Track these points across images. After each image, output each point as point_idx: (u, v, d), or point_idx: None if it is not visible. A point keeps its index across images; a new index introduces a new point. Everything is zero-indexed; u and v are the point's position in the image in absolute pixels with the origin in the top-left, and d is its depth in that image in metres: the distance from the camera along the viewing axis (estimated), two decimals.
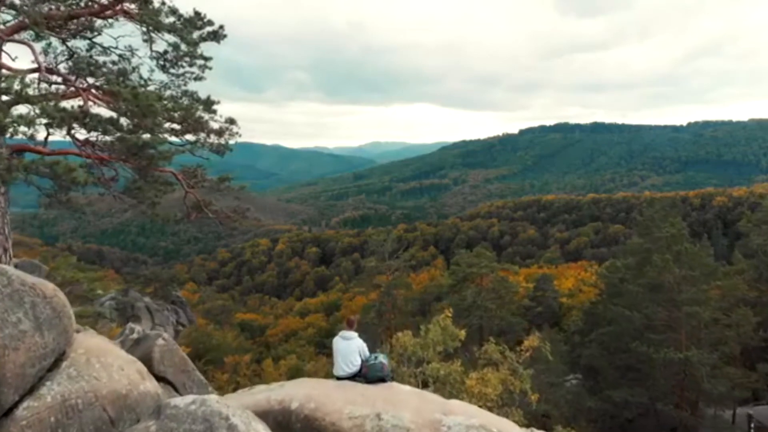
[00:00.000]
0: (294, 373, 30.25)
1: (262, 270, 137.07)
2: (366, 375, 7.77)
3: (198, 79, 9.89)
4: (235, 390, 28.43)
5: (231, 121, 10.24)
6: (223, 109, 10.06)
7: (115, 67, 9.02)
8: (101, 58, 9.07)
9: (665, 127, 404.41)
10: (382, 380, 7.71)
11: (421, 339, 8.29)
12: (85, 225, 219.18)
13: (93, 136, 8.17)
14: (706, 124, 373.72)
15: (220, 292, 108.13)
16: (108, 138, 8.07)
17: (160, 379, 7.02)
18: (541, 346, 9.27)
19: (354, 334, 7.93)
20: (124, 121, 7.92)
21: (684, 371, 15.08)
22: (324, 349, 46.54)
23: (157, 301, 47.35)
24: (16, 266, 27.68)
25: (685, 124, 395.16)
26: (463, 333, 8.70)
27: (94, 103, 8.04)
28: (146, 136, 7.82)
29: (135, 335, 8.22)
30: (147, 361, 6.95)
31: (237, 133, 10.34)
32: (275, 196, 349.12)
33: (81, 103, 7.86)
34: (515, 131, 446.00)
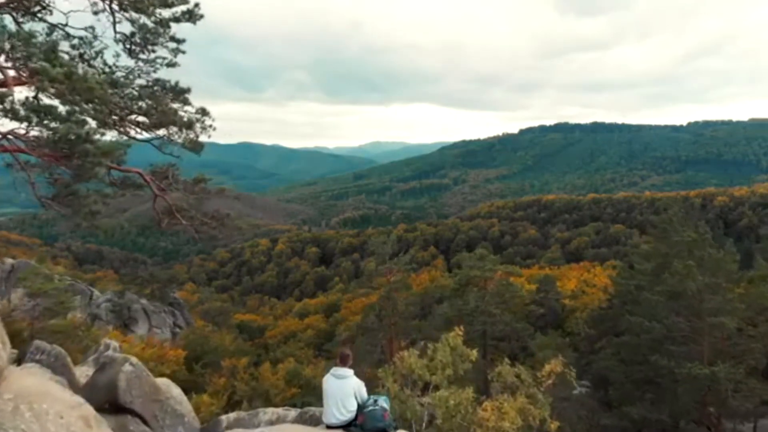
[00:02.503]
0: (292, 377, 29.39)
1: (262, 270, 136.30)
2: (363, 425, 6.36)
3: (171, 65, 8.74)
4: (231, 396, 27.50)
5: (203, 111, 8.98)
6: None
7: (46, 41, 7.76)
8: (65, 44, 7.92)
9: (665, 126, 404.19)
10: (383, 431, 6.35)
11: (427, 360, 7.32)
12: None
13: (22, 127, 6.88)
14: (706, 124, 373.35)
15: (219, 292, 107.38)
16: (38, 130, 6.80)
17: (127, 410, 6.03)
18: (565, 371, 8.16)
19: (349, 372, 6.51)
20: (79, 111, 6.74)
21: (708, 387, 14.08)
22: (323, 351, 45.68)
23: (154, 303, 46.56)
24: (12, 266, 26.21)
25: (685, 123, 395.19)
26: (474, 353, 7.70)
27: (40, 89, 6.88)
28: (86, 126, 6.58)
29: (110, 351, 7.23)
30: (112, 390, 5.98)
31: (210, 126, 9.07)
32: (275, 196, 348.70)
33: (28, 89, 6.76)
34: (515, 131, 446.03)
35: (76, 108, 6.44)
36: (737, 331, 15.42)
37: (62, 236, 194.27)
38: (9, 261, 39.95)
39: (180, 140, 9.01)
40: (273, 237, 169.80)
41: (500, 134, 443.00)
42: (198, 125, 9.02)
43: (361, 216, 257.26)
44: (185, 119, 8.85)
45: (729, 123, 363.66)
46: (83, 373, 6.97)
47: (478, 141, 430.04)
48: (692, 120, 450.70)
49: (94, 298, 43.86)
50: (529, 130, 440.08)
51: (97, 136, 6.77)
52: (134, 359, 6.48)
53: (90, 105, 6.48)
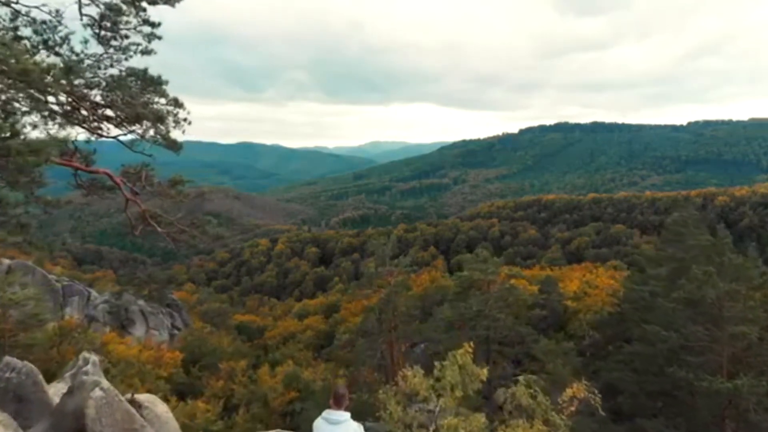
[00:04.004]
0: (290, 381, 29.00)
1: (262, 270, 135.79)
2: None
3: (146, 52, 7.82)
4: (228, 400, 27.07)
5: (176, 102, 8.04)
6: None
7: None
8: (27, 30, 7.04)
9: (665, 126, 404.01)
10: None
11: (433, 380, 6.78)
12: (84, 225, 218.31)
13: None
14: (707, 124, 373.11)
15: (219, 292, 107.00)
16: None
17: None
18: (590, 398, 7.56)
19: (344, 416, 5.52)
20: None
21: (729, 401, 13.42)
22: (322, 354, 45.30)
23: (152, 304, 46.19)
24: (9, 267, 25.30)
25: (685, 123, 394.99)
26: (485, 372, 7.15)
27: None
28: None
29: (89, 366, 6.69)
30: (80, 418, 5.31)
31: (185, 119, 8.14)
32: (275, 196, 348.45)
33: None
34: (515, 131, 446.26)
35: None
36: (758, 340, 14.64)
37: (62, 236, 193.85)
38: (6, 262, 39.43)
39: (153, 137, 8.09)
40: (273, 237, 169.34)
41: (500, 134, 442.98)
42: (171, 119, 8.08)
43: (361, 216, 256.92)
44: (155, 112, 7.90)
45: (729, 123, 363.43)
46: (59, 390, 6.35)
47: (478, 141, 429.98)
48: (692, 120, 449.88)
49: (92, 299, 43.44)
50: (529, 129, 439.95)
51: (28, 129, 5.86)
52: (105, 383, 5.87)
53: (34, 92, 5.61)
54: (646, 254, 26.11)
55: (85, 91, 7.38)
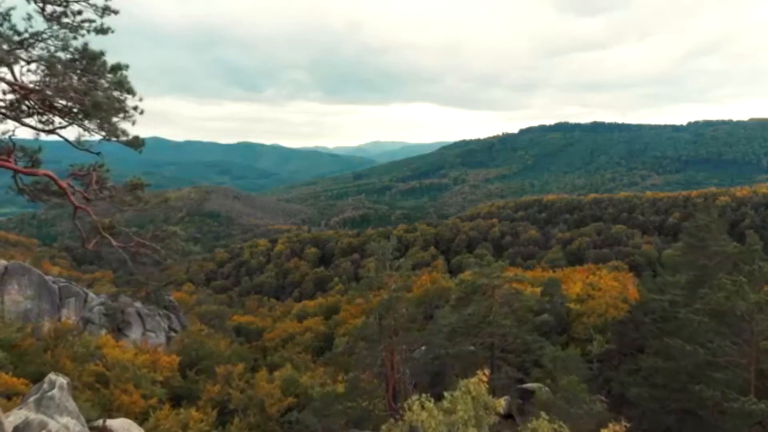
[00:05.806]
0: (288, 386, 28.36)
1: (261, 271, 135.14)
2: None
3: (101, 31, 6.64)
4: (224, 407, 26.39)
5: (121, 85, 6.71)
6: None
7: None
8: None
9: (665, 126, 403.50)
10: None
11: (443, 413, 6.07)
12: (84, 225, 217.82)
13: None
14: (707, 124, 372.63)
15: (218, 293, 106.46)
16: None
17: None
18: None
19: None
20: None
21: (759, 422, 12.60)
22: (322, 357, 44.75)
23: (148, 306, 45.58)
24: (6, 268, 24.49)
25: (685, 123, 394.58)
26: (502, 402, 6.46)
27: None
28: None
29: (55, 392, 5.98)
30: None
31: (136, 108, 6.87)
32: (275, 196, 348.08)
33: None
34: (515, 131, 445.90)
35: None
36: None
37: (61, 236, 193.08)
38: (2, 263, 38.67)
39: (107, 133, 6.89)
40: (272, 237, 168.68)
41: (500, 134, 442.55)
42: (119, 109, 6.81)
43: (361, 216, 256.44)
44: (94, 98, 6.52)
45: (729, 122, 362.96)
46: (19, 418, 5.58)
47: (478, 141, 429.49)
48: (692, 120, 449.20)
49: (89, 300, 42.80)
50: (529, 129, 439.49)
51: None
52: (54, 424, 5.10)
53: None
54: (659, 258, 25.31)
55: (24, 77, 6.47)
